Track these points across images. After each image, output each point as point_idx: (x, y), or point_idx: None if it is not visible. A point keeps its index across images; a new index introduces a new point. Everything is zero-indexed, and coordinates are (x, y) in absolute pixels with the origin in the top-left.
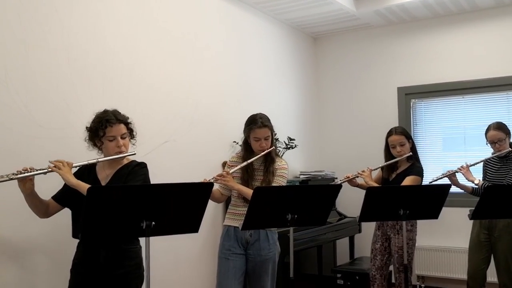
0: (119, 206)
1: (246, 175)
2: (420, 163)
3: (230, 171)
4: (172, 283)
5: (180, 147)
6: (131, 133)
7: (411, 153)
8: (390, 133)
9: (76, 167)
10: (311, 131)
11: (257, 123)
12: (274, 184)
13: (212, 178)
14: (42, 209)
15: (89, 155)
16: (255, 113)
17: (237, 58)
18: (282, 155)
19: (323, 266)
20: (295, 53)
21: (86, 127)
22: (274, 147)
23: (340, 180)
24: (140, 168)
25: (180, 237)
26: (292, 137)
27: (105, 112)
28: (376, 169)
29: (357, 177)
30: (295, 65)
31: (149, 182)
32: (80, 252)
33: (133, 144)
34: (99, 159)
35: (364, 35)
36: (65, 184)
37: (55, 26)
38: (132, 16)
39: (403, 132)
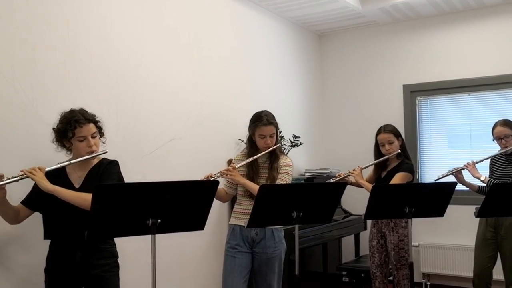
0: (125, 204)
1: (251, 172)
2: (410, 159)
3: (237, 166)
4: (177, 281)
5: (186, 145)
6: (100, 131)
7: (399, 151)
8: (379, 131)
9: (48, 171)
10: (316, 128)
11: (262, 121)
12: (278, 181)
13: (218, 173)
14: (12, 216)
15: (59, 157)
16: (260, 110)
17: (242, 56)
18: (287, 153)
19: (328, 263)
20: (300, 51)
21: (53, 128)
22: (279, 144)
23: (333, 180)
24: (112, 166)
25: (186, 235)
26: (297, 135)
27: (72, 112)
28: (366, 167)
29: (349, 176)
30: (300, 63)
31: (123, 179)
32: (54, 252)
33: (103, 143)
34: (72, 161)
35: (369, 32)
36: (33, 189)
37: (61, 26)
38: (137, 15)
39: (392, 130)
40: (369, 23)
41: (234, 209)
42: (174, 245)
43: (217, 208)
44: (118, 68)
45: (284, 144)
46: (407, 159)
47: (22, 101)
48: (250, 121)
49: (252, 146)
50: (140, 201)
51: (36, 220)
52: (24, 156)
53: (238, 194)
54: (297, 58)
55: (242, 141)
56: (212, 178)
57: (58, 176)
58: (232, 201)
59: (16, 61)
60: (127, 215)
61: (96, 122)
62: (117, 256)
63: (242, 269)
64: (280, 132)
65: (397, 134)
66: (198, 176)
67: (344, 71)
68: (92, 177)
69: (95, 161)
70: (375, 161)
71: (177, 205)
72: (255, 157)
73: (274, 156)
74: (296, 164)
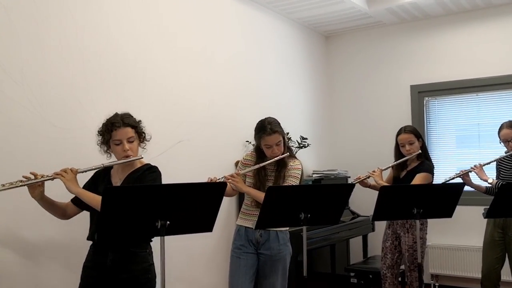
0: (134, 206)
1: (258, 182)
2: (430, 160)
3: (241, 172)
4: (186, 281)
5: (194, 146)
6: (140, 136)
7: (420, 151)
8: (399, 132)
9: (81, 172)
10: (323, 130)
11: (266, 131)
12: (285, 185)
13: (222, 178)
14: (58, 212)
15: (97, 157)
16: (264, 117)
17: (249, 57)
18: (295, 154)
19: (337, 264)
20: (307, 52)
21: (98, 131)
22: (287, 153)
23: (353, 182)
24: (150, 173)
25: (194, 237)
26: (304, 136)
27: (115, 115)
28: (386, 168)
29: (368, 177)
30: (307, 64)
31: None
32: (90, 255)
33: (143, 148)
34: (105, 164)
35: (376, 33)
36: (83, 187)
37: (69, 29)
38: (145, 17)
39: (412, 131)
40: (376, 23)
41: (241, 210)
42: (183, 246)
43: (226, 209)
44: (126, 70)
45: (292, 146)
46: (427, 159)
47: (31, 103)
48: (255, 130)
49: (259, 156)
50: (149, 203)
51: (78, 222)
52: (32, 157)
53: (246, 195)
54: (304, 59)
55: (250, 142)
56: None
57: (103, 177)
58: (240, 202)
59: (24, 63)
60: (136, 217)
61: (135, 127)
62: (149, 262)
63: (247, 269)
64: (288, 133)
65: (417, 134)
66: (206, 177)
67: (351, 72)
68: (129, 181)
69: (138, 164)
70: (395, 162)
71: (185, 207)
72: (261, 164)
73: (282, 163)
74: (303, 166)
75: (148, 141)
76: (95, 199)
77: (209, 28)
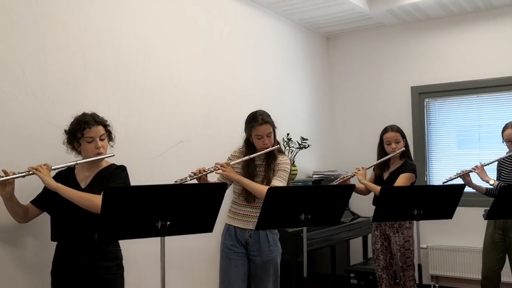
0: (135, 207)
1: (248, 174)
2: (412, 161)
3: (231, 163)
4: (185, 281)
5: (194, 147)
6: (109, 135)
7: (404, 148)
8: (385, 130)
9: (55, 169)
10: (324, 131)
11: (257, 121)
12: (274, 179)
13: (212, 167)
14: (20, 213)
15: (69, 159)
16: (254, 110)
17: (250, 59)
18: (295, 155)
19: (337, 265)
20: (308, 53)
21: (65, 130)
22: (278, 145)
23: (336, 182)
24: (120, 171)
25: (193, 236)
26: (305, 137)
27: (84, 114)
28: (371, 167)
29: (352, 176)
30: (307, 65)
31: (129, 184)
32: (59, 254)
33: (112, 146)
34: (78, 161)
35: (377, 34)
36: (44, 189)
37: (71, 28)
38: (146, 18)
39: (398, 129)
40: (377, 25)
41: (230, 208)
42: (182, 246)
43: (225, 208)
44: (127, 71)
45: (292, 146)
46: (409, 159)
47: (33, 103)
48: (245, 122)
49: (249, 148)
50: (149, 203)
51: (45, 221)
52: (34, 158)
53: (234, 193)
54: (304, 60)
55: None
56: (205, 172)
57: (67, 175)
58: None
59: (26, 63)
60: (136, 218)
61: (105, 126)
62: (121, 258)
63: (238, 270)
64: (288, 134)
65: (403, 134)
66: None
67: (351, 73)
68: (99, 179)
69: (104, 164)
70: (380, 160)
71: (186, 208)
72: (251, 156)
73: (272, 157)
74: (304, 166)
75: (113, 141)
76: (77, 195)
77: (210, 29)
